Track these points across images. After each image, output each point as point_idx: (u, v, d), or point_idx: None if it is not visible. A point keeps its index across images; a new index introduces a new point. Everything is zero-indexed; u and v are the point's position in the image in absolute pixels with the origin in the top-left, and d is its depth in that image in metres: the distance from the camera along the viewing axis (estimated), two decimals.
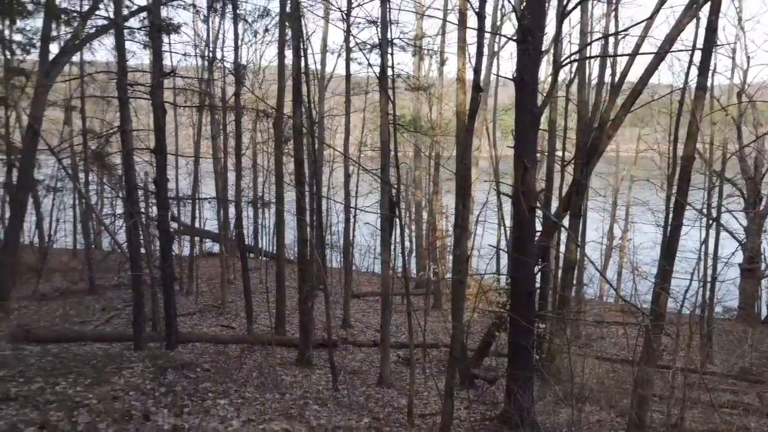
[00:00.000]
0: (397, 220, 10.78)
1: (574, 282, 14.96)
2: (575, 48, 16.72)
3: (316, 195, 12.54)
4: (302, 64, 11.81)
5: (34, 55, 17.99)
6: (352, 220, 17.67)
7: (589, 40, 13.42)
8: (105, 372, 6.85)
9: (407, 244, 22.15)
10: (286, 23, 12.97)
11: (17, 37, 18.63)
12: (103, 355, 8.28)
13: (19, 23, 18.02)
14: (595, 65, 15.18)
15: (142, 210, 13.81)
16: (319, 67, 19.22)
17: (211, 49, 18.60)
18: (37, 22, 17.53)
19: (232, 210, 20.67)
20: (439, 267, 19.80)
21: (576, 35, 18.65)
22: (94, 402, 5.68)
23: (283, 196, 14.20)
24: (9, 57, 18.87)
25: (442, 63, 21.11)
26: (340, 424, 6.49)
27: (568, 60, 10.71)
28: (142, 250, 12.13)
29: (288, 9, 12.56)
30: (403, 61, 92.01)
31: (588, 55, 13.00)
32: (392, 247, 13.16)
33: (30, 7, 16.85)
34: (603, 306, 21.73)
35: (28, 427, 5.06)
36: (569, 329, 12.76)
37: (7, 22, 18.07)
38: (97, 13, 16.76)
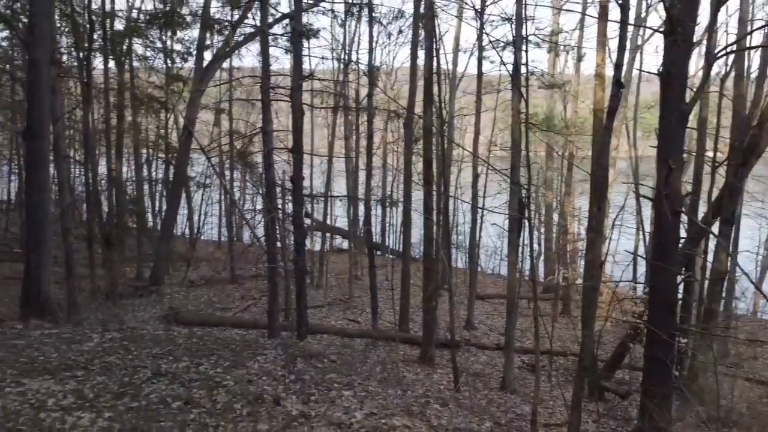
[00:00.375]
0: (526, 221, 10.46)
1: (723, 295, 13.62)
2: (732, 38, 15.22)
3: (443, 194, 12.52)
4: (434, 64, 11.84)
5: (190, 63, 19.76)
6: (479, 220, 17.45)
7: (749, 29, 12.15)
8: (242, 356, 7.33)
9: (536, 246, 21.44)
10: (420, 24, 13.08)
11: (177, 47, 20.55)
12: (240, 341, 8.87)
13: (179, 34, 19.88)
14: (756, 56, 13.75)
15: (280, 206, 14.59)
16: (450, 66, 19.20)
17: (346, 52, 19.28)
18: (194, 32, 19.23)
19: (361, 208, 21.25)
20: (569, 272, 18.97)
21: (733, 24, 16.96)
22: (231, 384, 6.10)
23: (411, 195, 14.34)
24: (170, 65, 20.85)
25: (579, 59, 20.19)
26: (460, 425, 6.43)
27: (724, 51, 9.73)
28: (278, 244, 12.82)
29: (422, 10, 12.66)
30: (537, 58, 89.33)
31: (748, 45, 11.77)
32: (520, 249, 12.80)
33: (189, 19, 18.49)
34: (757, 323, 19.60)
35: (174, 401, 5.54)
36: (716, 346, 11.64)
37: (169, 34, 19.97)
38: (245, 22, 18.05)
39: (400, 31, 20.04)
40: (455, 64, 19.91)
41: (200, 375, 6.32)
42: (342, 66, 19.62)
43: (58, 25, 15.33)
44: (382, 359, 11.13)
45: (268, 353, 7.61)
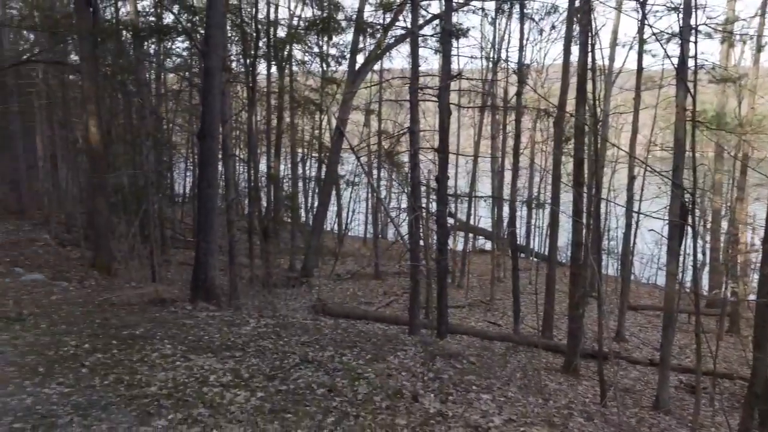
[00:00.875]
0: (689, 228, 9.56)
1: None
2: None
3: (595, 197, 11.86)
4: (589, 59, 11.25)
5: (343, 66, 20.64)
6: (633, 225, 16.30)
7: None
8: (383, 350, 7.52)
9: (700, 256, 19.54)
10: (574, 18, 12.51)
11: (332, 51, 21.57)
12: (382, 335, 9.10)
13: (335, 39, 20.84)
14: None
15: (424, 205, 14.76)
16: (606, 62, 18.12)
17: (496, 50, 18.99)
18: (348, 36, 20.06)
19: (506, 209, 20.82)
20: (739, 286, 17.08)
21: None
22: (372, 376, 6.28)
23: (559, 197, 13.78)
24: (325, 68, 21.94)
25: (759, 49, 18.06)
26: None
27: None
28: (421, 243, 12.96)
29: (577, 3, 12.10)
30: (707, 50, 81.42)
31: None
32: (681, 258, 11.74)
33: (344, 24, 19.31)
34: None
35: (319, 388, 5.83)
36: None
37: (325, 39, 21.02)
38: (396, 24, 18.48)
39: (553, 27, 19.39)
40: (612, 59, 18.76)
41: (343, 365, 6.58)
42: (491, 64, 19.35)
43: (229, 35, 16.80)
44: (522, 365, 10.81)
45: (408, 349, 7.72)
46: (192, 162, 24.93)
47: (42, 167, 22.68)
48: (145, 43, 17.47)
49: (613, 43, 18.85)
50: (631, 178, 15.40)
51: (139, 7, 16.38)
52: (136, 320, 8.10)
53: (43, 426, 4.70)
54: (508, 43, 23.13)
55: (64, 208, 21.03)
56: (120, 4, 17.83)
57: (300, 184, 25.05)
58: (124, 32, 16.13)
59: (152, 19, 17.23)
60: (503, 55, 18.89)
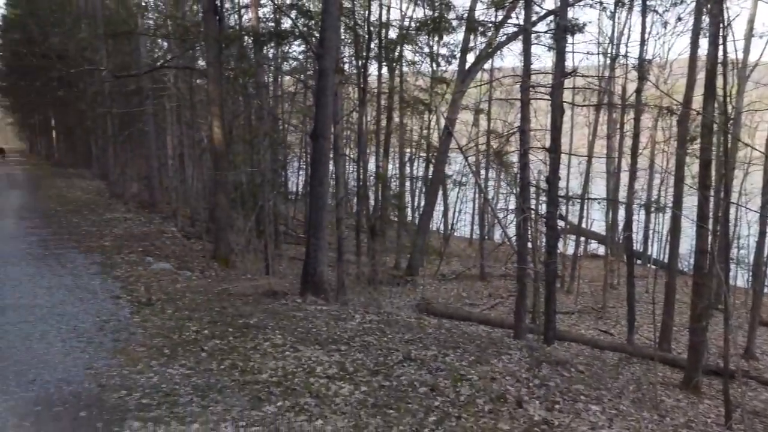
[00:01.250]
0: None
1: None
2: None
3: (723, 201, 10.97)
4: (720, 52, 10.40)
5: (453, 66, 20.56)
6: None
7: None
8: (487, 353, 7.41)
9: None
10: (704, 9, 11.63)
11: (442, 51, 21.54)
12: (486, 338, 8.97)
13: (445, 38, 20.80)
14: None
15: (533, 206, 14.38)
16: (740, 55, 16.68)
17: (614, 45, 18.10)
18: (459, 36, 19.95)
19: (621, 212, 19.78)
20: None
21: None
22: (475, 378, 6.21)
23: (681, 200, 12.88)
24: (434, 68, 21.96)
25: None
26: None
27: None
28: (529, 245, 12.63)
29: None
30: None
31: None
32: None
33: (454, 23, 19.22)
34: None
35: (421, 386, 5.85)
36: None
37: (436, 39, 21.04)
38: (508, 21, 18.12)
39: (679, 19, 18.05)
40: (746, 51, 17.24)
41: (446, 365, 6.56)
42: (608, 60, 18.46)
43: (342, 37, 17.29)
44: (636, 378, 10.21)
45: (513, 354, 7.56)
46: (305, 161, 25.92)
47: (171, 165, 24.56)
48: (265, 48, 18.38)
49: (749, 35, 17.32)
50: (767, 182, 14.08)
51: (260, 14, 17.25)
52: (250, 310, 8.55)
53: (166, 403, 5.09)
54: (628, 37, 22.11)
55: (189, 202, 22.65)
56: (243, 11, 18.93)
57: (407, 183, 25.26)
58: (246, 38, 17.07)
59: (272, 24, 18.12)
60: (622, 51, 17.98)
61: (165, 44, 23.11)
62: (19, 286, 9.22)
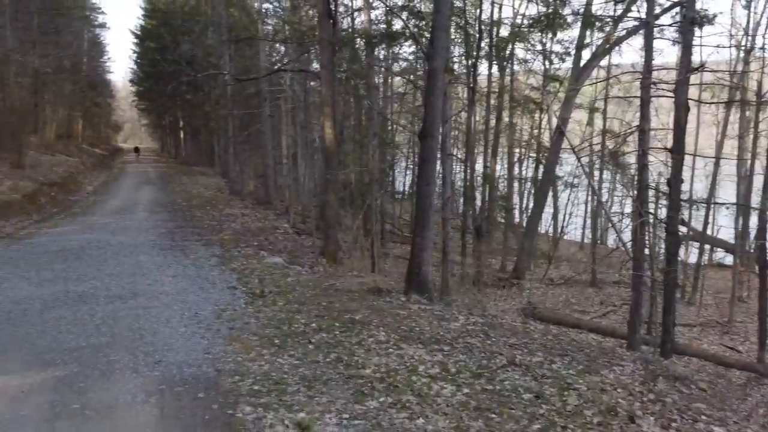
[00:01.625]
0: None
1: None
2: None
3: None
4: None
5: (567, 63, 19.84)
6: None
7: None
8: (597, 363, 7.08)
9: None
10: None
11: (556, 48, 20.87)
12: (596, 346, 8.59)
13: (559, 35, 20.12)
14: None
15: (651, 211, 13.55)
16: None
17: (749, 37, 16.63)
18: (574, 32, 19.21)
19: (754, 218, 18.13)
20: None
21: None
22: (583, 388, 5.95)
23: None
24: (547, 66, 21.32)
25: None
26: None
27: None
28: (646, 251, 11.93)
29: None
30: None
31: None
32: None
33: (570, 19, 18.54)
34: None
35: (525, 392, 5.69)
36: None
37: (549, 35, 20.41)
38: (628, 15, 17.18)
39: None
40: None
41: (552, 372, 6.34)
42: (742, 54, 16.98)
43: (453, 37, 17.22)
44: (767, 401, 9.33)
45: (626, 365, 7.16)
46: (412, 161, 26.12)
47: (285, 164, 25.69)
48: (376, 49, 18.73)
49: None
50: None
51: (372, 16, 17.62)
52: (356, 306, 8.75)
53: (275, 391, 5.33)
54: (766, 28, 20.06)
55: (301, 200, 23.58)
56: (355, 14, 19.41)
57: (515, 184, 24.75)
58: (358, 40, 17.49)
59: (383, 26, 18.43)
60: (758, 42, 16.46)
61: (282, 48, 24.21)
62: (149, 274, 10.04)
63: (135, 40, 46.22)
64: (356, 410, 5.04)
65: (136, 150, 52.63)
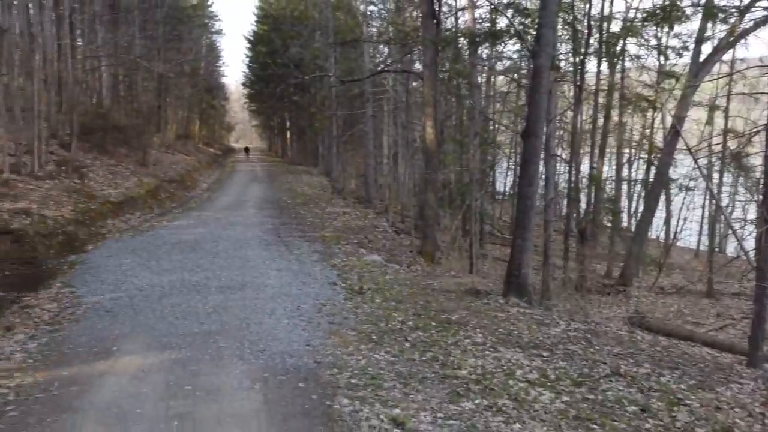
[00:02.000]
0: None
1: None
2: None
3: None
4: None
5: (685, 58, 18.59)
6: None
7: None
8: (711, 379, 6.61)
9: None
10: None
11: (672, 42, 19.62)
12: (711, 362, 8.01)
13: (676, 29, 18.87)
14: None
15: None
16: None
17: None
18: (693, 25, 18.00)
19: None
20: None
21: None
22: (695, 405, 5.57)
23: None
24: (662, 62, 20.09)
25: None
26: None
27: None
28: None
29: None
30: None
31: None
32: None
33: (688, 11, 17.35)
34: None
35: (630, 405, 5.42)
36: None
37: (665, 29, 19.21)
38: (756, 5, 15.80)
39: None
40: None
41: (661, 386, 5.99)
42: None
43: (559, 34, 16.66)
44: None
45: (745, 384, 6.62)
46: (514, 161, 25.58)
47: (386, 163, 26.05)
48: (479, 48, 18.51)
49: None
50: None
51: (476, 15, 17.43)
52: (453, 307, 8.72)
53: (372, 386, 5.44)
54: None
55: (400, 199, 23.80)
56: (459, 14, 19.29)
57: (624, 186, 23.57)
58: (461, 39, 17.37)
59: (487, 24, 18.18)
60: None
61: (386, 50, 24.56)
62: (255, 268, 10.56)
63: (248, 45, 48.69)
64: (451, 410, 5.03)
65: (246, 150, 55.42)
